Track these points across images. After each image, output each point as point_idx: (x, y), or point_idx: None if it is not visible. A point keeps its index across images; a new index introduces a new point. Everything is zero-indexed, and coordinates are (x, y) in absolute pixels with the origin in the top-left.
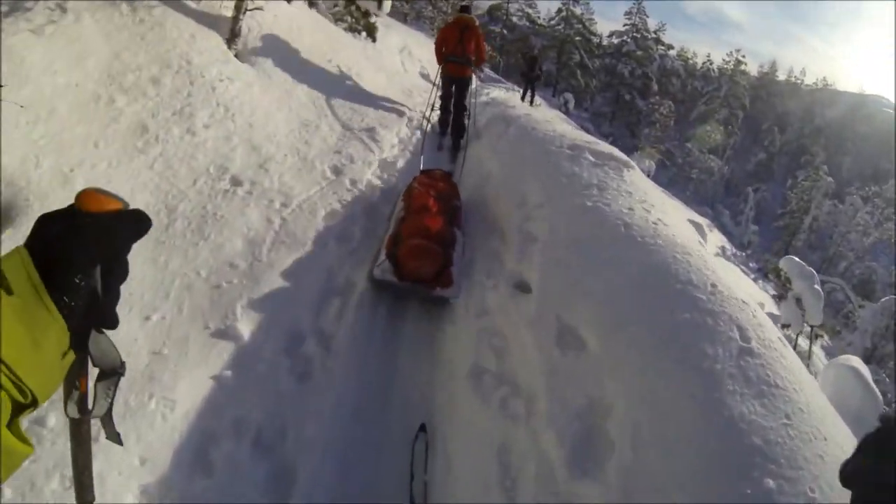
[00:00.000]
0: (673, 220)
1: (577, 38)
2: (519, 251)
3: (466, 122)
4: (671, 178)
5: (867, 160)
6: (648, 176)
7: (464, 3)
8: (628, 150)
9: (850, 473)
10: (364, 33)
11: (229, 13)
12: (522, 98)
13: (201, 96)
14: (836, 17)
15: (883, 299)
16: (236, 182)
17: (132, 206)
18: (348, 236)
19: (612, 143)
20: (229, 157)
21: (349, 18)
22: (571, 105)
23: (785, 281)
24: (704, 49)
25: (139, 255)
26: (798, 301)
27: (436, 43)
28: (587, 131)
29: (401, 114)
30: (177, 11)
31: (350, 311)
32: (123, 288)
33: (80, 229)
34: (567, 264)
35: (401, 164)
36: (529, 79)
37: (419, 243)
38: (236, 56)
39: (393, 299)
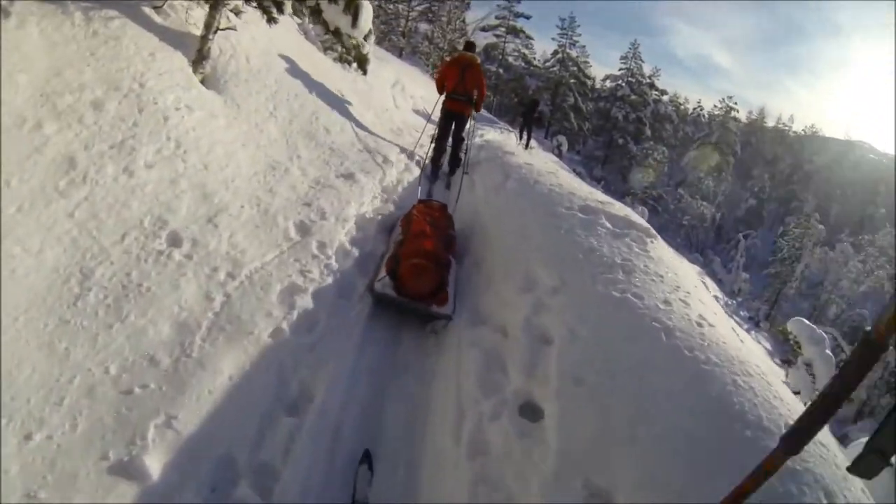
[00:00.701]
0: (713, 313)
1: (573, 81)
2: (528, 357)
3: (463, 156)
4: (663, 224)
5: (855, 207)
6: None
7: (469, 41)
8: (620, 196)
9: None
10: (354, 65)
11: (199, 31)
12: (519, 140)
13: (149, 127)
14: (821, 66)
15: None
16: (175, 241)
17: None
18: (310, 323)
19: (605, 188)
20: (172, 207)
21: (339, 48)
22: (565, 148)
23: (794, 345)
24: (693, 94)
25: (31, 337)
26: (808, 366)
27: (437, 78)
28: (579, 175)
29: (387, 157)
30: (138, 25)
31: (303, 439)
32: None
33: None
34: (595, 389)
35: (379, 221)
36: (528, 121)
37: (418, 262)
38: (202, 81)
39: (365, 416)
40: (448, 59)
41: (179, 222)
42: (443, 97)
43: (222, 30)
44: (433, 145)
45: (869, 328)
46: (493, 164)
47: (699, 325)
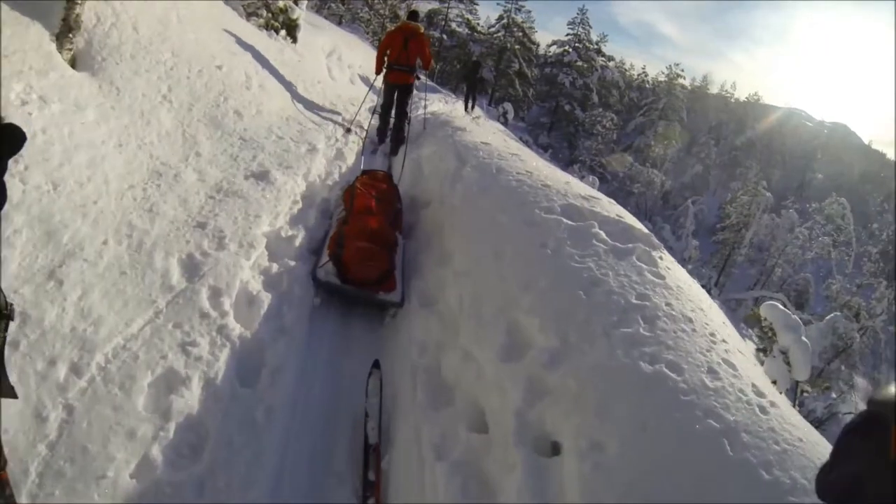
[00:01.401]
0: (740, 352)
1: (517, 47)
2: (524, 479)
3: (407, 128)
4: (612, 191)
5: (795, 172)
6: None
7: (412, 10)
8: (567, 164)
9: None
10: (283, 32)
11: None
12: (466, 107)
13: None
14: (761, 34)
15: (828, 316)
16: None
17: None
18: (195, 443)
19: (552, 156)
20: None
21: (265, 13)
22: (511, 115)
23: (767, 330)
24: (637, 61)
25: None
26: (784, 354)
27: (378, 49)
28: (525, 143)
29: (314, 144)
30: None
31: None
32: None
33: None
34: None
35: (303, 238)
36: (471, 85)
37: (364, 246)
38: (72, 60)
39: None
40: (391, 28)
41: (4, 284)
42: (383, 70)
43: None
44: (377, 116)
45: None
46: (443, 145)
47: (762, 410)
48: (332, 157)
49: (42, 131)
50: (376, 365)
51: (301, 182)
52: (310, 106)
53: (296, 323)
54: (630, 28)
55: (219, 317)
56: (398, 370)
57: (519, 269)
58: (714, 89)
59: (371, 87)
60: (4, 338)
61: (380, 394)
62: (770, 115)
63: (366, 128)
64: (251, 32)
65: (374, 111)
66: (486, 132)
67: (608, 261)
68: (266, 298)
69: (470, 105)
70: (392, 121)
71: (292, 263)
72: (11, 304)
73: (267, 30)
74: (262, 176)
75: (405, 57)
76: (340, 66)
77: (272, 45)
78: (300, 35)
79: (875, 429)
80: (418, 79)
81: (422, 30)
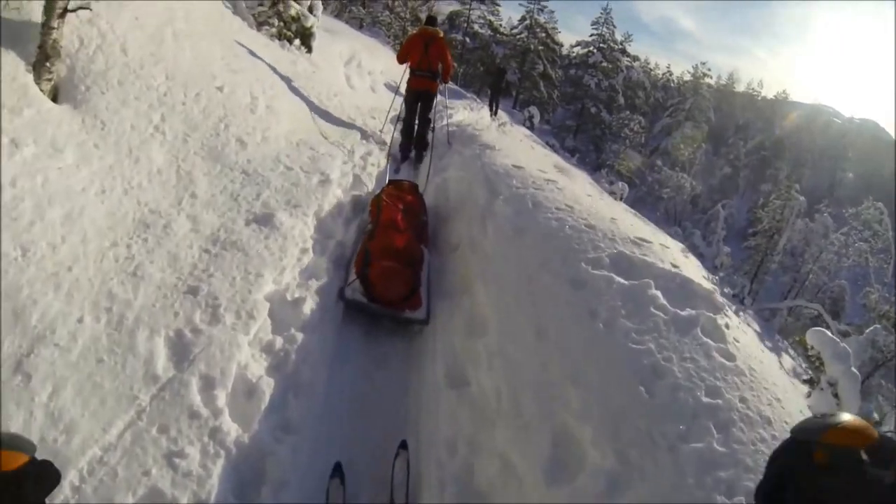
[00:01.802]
0: None
1: (541, 48)
2: None
3: (430, 136)
4: (640, 197)
5: (825, 172)
6: (621, 199)
7: (430, 15)
8: (594, 168)
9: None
10: (297, 42)
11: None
12: (491, 114)
13: None
14: (785, 29)
15: (868, 329)
16: None
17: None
18: None
19: (579, 160)
20: None
21: (276, 22)
22: (537, 119)
23: (815, 360)
24: (659, 59)
25: None
26: (832, 386)
27: (398, 54)
28: (552, 147)
29: (327, 174)
30: None
31: None
32: None
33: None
34: None
35: (312, 301)
36: (495, 91)
37: (390, 266)
38: (53, 91)
39: None
40: (412, 32)
41: None
42: (406, 74)
43: (71, 11)
44: (400, 126)
45: None
46: (471, 169)
47: None
48: (349, 187)
49: (11, 184)
50: (403, 445)
51: (311, 223)
52: (325, 124)
53: (304, 418)
54: (652, 25)
55: (211, 416)
56: (424, 464)
57: (565, 353)
58: (740, 87)
59: (396, 90)
60: None
61: (406, 481)
62: (798, 112)
63: (388, 141)
64: (261, 44)
65: (396, 120)
66: (513, 142)
67: (670, 338)
68: (268, 387)
69: (494, 109)
70: (416, 129)
71: (300, 336)
72: None
73: (279, 40)
74: (265, 220)
75: (426, 62)
76: (360, 73)
77: (284, 57)
78: (315, 43)
79: (798, 447)
80: (444, 82)
81: (441, 34)
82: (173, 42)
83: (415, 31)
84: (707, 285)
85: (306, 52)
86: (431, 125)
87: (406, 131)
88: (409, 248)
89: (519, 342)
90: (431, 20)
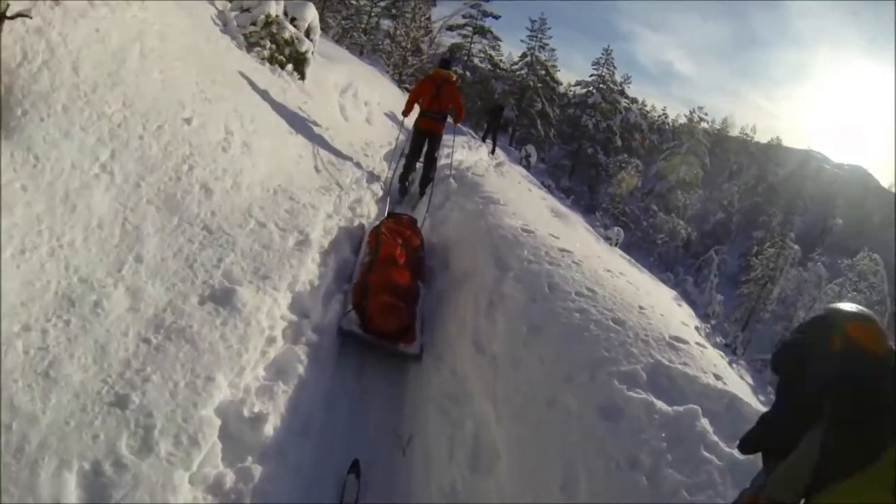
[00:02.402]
0: None
1: (540, 85)
2: None
3: (433, 176)
4: (635, 242)
5: (817, 219)
6: (616, 244)
7: (444, 58)
8: (587, 210)
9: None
10: (290, 67)
11: None
12: (488, 149)
13: None
14: (780, 74)
15: None
16: None
17: None
18: None
19: (574, 202)
20: None
21: (269, 45)
22: (533, 159)
23: None
24: (655, 101)
25: None
26: None
27: (409, 96)
28: (548, 188)
29: (306, 233)
30: None
31: None
32: None
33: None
34: None
35: (278, 420)
36: (492, 127)
37: (388, 301)
38: None
39: None
40: (430, 72)
41: None
42: (412, 116)
43: (9, 18)
44: (402, 162)
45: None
46: (475, 229)
47: None
48: (329, 247)
49: None
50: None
51: (282, 300)
52: (311, 164)
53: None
54: (648, 67)
55: None
56: None
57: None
58: (734, 132)
59: (402, 127)
60: None
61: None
62: (790, 158)
63: (383, 177)
64: (249, 68)
65: (399, 156)
66: (511, 183)
67: (728, 496)
68: None
69: (492, 148)
70: (420, 168)
71: (257, 471)
72: None
73: (271, 64)
74: (225, 297)
75: (437, 105)
76: (356, 103)
77: (273, 84)
78: (309, 70)
79: (819, 323)
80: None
81: (454, 78)
82: (139, 62)
83: (427, 74)
84: (757, 405)
85: (299, 78)
86: (435, 165)
87: (407, 168)
88: (408, 285)
89: (540, 494)
90: (445, 63)
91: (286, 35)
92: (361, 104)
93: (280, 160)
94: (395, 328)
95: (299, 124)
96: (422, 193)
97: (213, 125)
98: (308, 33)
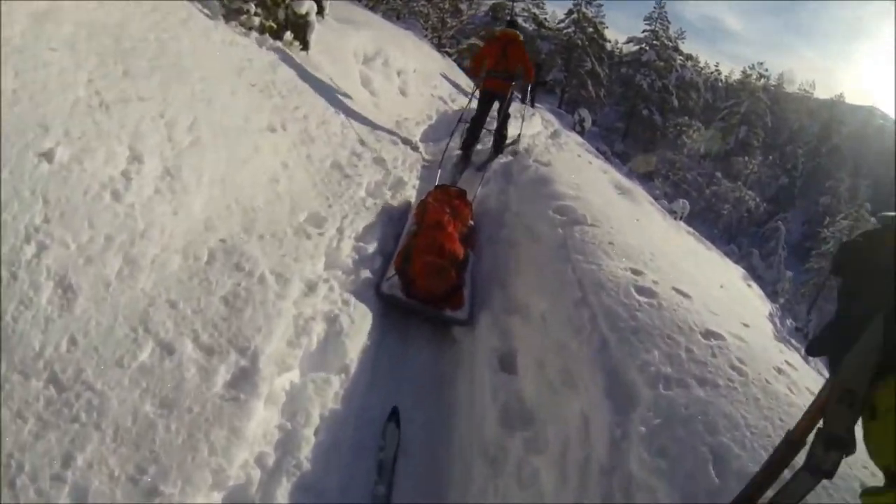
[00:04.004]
0: None
1: (588, 44)
2: None
3: (507, 132)
4: (700, 212)
5: (884, 181)
6: (681, 218)
7: (511, 18)
8: (647, 178)
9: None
10: (289, 35)
11: None
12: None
13: None
14: (831, 27)
15: None
16: None
17: None
18: None
19: (629, 172)
20: None
21: (253, 8)
22: (588, 124)
23: None
24: (705, 58)
25: None
26: None
27: (475, 58)
28: (604, 155)
29: (254, 359)
30: None
31: None
32: None
33: None
34: None
35: None
36: (533, 88)
37: (432, 261)
38: None
39: None
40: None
41: None
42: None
43: None
44: (466, 128)
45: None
46: (558, 278)
47: None
48: (296, 399)
49: None
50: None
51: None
52: (299, 177)
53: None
54: (696, 23)
55: None
56: None
57: None
58: (791, 88)
59: (472, 95)
60: None
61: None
62: (853, 115)
63: (425, 151)
64: (217, 42)
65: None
66: (573, 158)
67: None
68: None
69: (529, 104)
70: (494, 128)
71: None
72: None
73: (261, 33)
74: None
75: (504, 64)
76: (387, 72)
77: (255, 60)
78: (315, 36)
79: (874, 230)
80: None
81: (521, 37)
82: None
83: (493, 35)
84: None
85: (301, 49)
86: (511, 118)
87: (472, 131)
88: (454, 246)
89: None
90: (513, 23)
91: None
92: (394, 73)
93: (238, 185)
94: (440, 290)
95: (290, 113)
96: (496, 151)
97: (101, 153)
98: None
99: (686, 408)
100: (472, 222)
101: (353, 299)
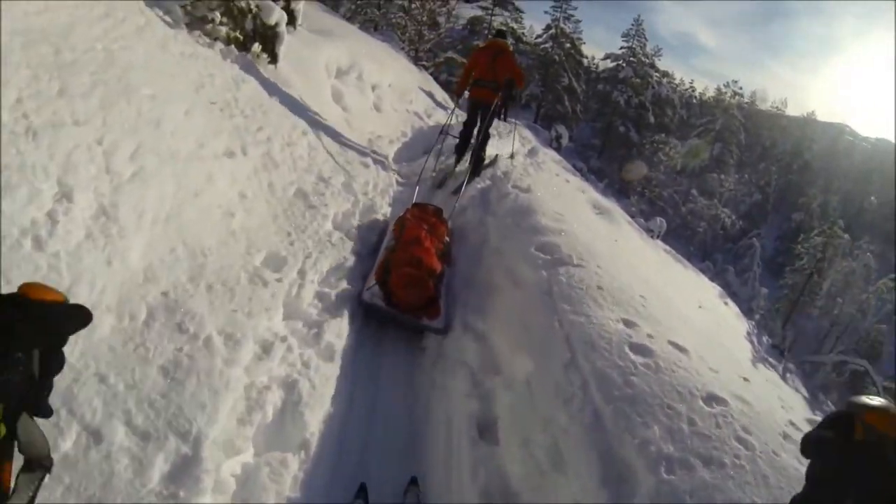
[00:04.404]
0: None
1: (566, 60)
2: None
3: (484, 154)
4: (675, 229)
5: (853, 197)
6: (658, 236)
7: (500, 28)
8: (619, 192)
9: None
10: (257, 47)
11: None
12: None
13: None
14: (806, 45)
15: None
16: None
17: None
18: None
19: (607, 187)
20: None
21: (219, 18)
22: (565, 141)
23: None
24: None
25: None
26: None
27: (465, 68)
28: (580, 171)
29: None
30: None
31: None
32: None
33: (27, 313)
34: None
35: None
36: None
37: (410, 272)
38: None
39: None
40: (480, 45)
41: None
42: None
43: None
44: (460, 130)
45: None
46: (544, 330)
47: None
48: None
49: None
50: (414, 482)
51: None
52: (258, 208)
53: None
54: (670, 39)
55: None
56: None
57: None
58: (764, 106)
59: (452, 111)
60: (38, 488)
61: None
62: (824, 133)
63: (399, 172)
64: (176, 55)
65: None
66: (550, 177)
67: None
68: None
69: (503, 117)
70: (471, 154)
71: None
72: (52, 459)
73: (226, 45)
74: None
75: (491, 74)
76: (360, 87)
77: (217, 76)
78: (285, 49)
79: (846, 417)
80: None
81: (510, 47)
82: None
83: (482, 45)
84: None
85: (269, 62)
86: (487, 142)
87: (464, 134)
88: (431, 261)
89: None
90: (501, 33)
91: (242, 3)
92: (367, 88)
93: (186, 223)
94: (418, 300)
95: (252, 136)
96: (474, 172)
97: (23, 190)
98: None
99: (691, 495)
100: (447, 239)
101: (314, 359)
